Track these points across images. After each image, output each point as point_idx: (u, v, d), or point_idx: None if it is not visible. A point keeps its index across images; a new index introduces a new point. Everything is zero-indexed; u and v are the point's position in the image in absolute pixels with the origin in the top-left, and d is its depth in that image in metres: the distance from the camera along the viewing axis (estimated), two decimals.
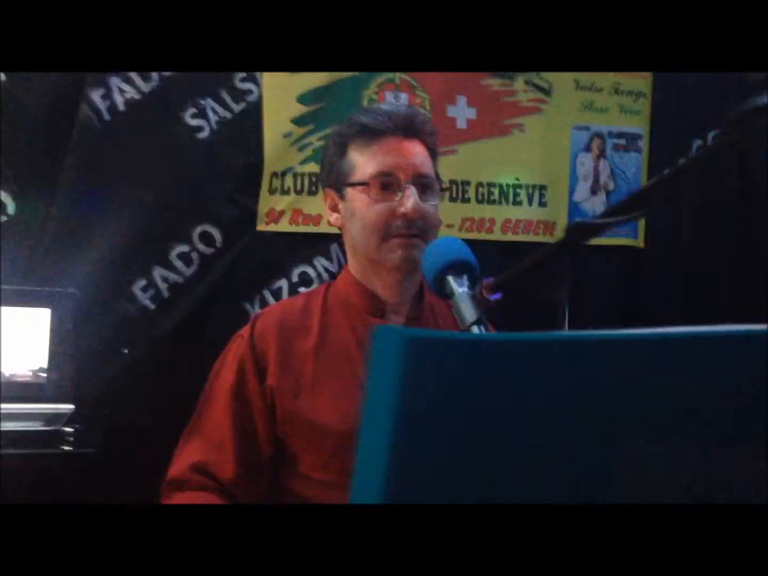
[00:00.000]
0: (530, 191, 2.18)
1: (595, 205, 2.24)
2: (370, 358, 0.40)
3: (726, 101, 2.27)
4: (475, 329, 0.85)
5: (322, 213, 2.09)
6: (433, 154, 1.21)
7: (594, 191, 2.24)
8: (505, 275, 0.80)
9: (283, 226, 2.06)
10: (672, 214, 2.28)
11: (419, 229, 1.12)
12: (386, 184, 1.14)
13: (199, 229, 2.01)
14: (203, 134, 1.99)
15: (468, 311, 0.87)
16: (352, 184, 1.17)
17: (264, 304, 2.06)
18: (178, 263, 2.00)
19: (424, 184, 1.15)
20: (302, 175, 2.07)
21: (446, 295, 0.92)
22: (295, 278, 2.09)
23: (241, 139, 2.01)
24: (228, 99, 2.00)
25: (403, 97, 2.10)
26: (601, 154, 2.24)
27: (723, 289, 2.28)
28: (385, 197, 1.14)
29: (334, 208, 1.23)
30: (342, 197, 1.20)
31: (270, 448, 1.15)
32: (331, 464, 1.11)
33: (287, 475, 1.15)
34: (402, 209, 1.12)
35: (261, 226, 2.04)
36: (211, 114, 1.99)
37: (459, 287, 0.91)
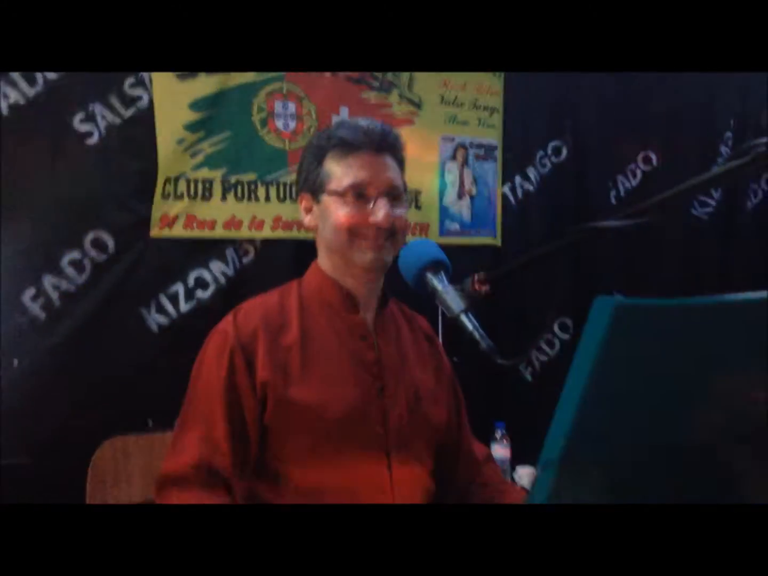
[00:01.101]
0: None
1: (462, 208, 2.47)
2: (587, 324, 0.51)
3: (562, 118, 2.60)
4: (463, 318, 0.99)
5: (216, 218, 2.12)
6: (402, 166, 1.31)
7: (460, 196, 2.47)
8: (498, 271, 0.95)
9: (178, 231, 2.06)
10: (522, 215, 2.58)
11: (388, 233, 1.22)
12: (360, 195, 1.22)
13: (90, 236, 1.95)
14: (93, 140, 1.93)
15: (455, 302, 1.00)
16: (329, 192, 1.24)
17: (161, 309, 2.04)
18: (70, 270, 1.93)
19: (394, 196, 1.23)
20: (195, 180, 2.08)
21: (427, 290, 1.05)
22: (191, 283, 2.10)
23: (133, 145, 1.98)
24: (117, 104, 1.96)
25: (291, 106, 2.19)
26: (465, 162, 2.48)
27: (563, 280, 2.61)
28: (358, 206, 1.22)
29: (309, 211, 1.30)
30: (317, 201, 1.27)
31: (257, 439, 1.20)
32: (321, 446, 1.18)
33: (274, 462, 1.21)
34: (373, 218, 1.20)
35: (155, 232, 2.02)
36: (100, 119, 1.94)
37: (439, 283, 1.04)
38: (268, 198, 2.18)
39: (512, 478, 2.15)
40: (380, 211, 1.20)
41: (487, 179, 2.52)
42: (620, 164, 2.72)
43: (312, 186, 1.27)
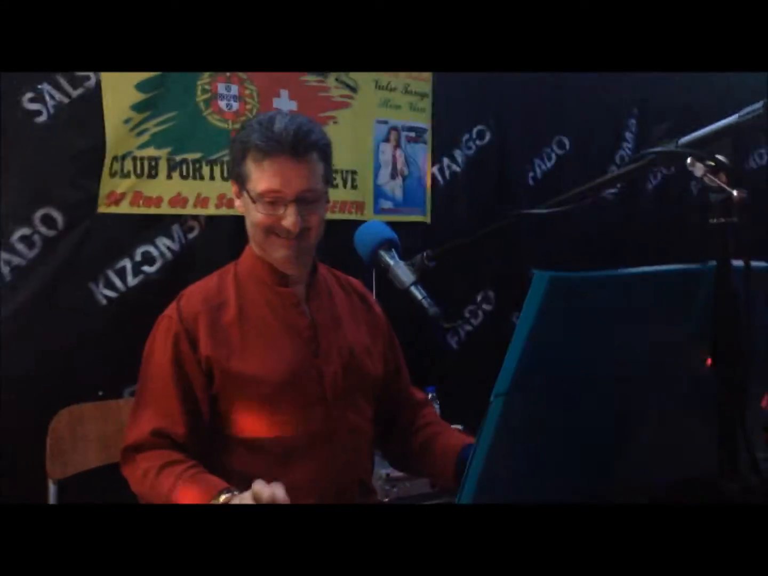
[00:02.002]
0: (344, 176, 2.49)
1: (395, 188, 2.62)
2: (528, 295, 0.67)
3: (486, 103, 2.77)
4: (413, 289, 1.14)
5: (162, 195, 2.19)
6: (327, 161, 1.38)
7: (393, 176, 2.62)
8: (443, 248, 1.10)
9: (125, 208, 2.12)
10: (449, 194, 2.75)
11: (301, 233, 1.33)
12: (272, 200, 1.31)
13: (40, 213, 1.99)
14: (41, 119, 1.97)
15: (406, 276, 1.16)
16: (248, 190, 1.34)
17: (109, 283, 2.11)
18: (20, 246, 1.97)
19: (307, 199, 1.32)
20: (142, 159, 2.14)
21: (380, 266, 1.20)
22: (138, 258, 2.16)
23: (81, 124, 2.02)
24: (66, 84, 2.00)
25: (234, 88, 2.27)
26: (398, 144, 2.62)
27: (487, 256, 2.80)
28: (271, 210, 1.32)
29: (238, 196, 1.40)
30: (242, 192, 1.37)
31: (208, 407, 1.34)
32: (264, 408, 1.33)
33: (226, 425, 1.35)
34: (284, 222, 1.32)
35: (102, 209, 2.08)
36: (48, 99, 1.97)
37: (392, 259, 1.19)
38: (212, 176, 2.26)
39: None
40: (290, 218, 1.31)
41: (418, 160, 2.67)
42: (537, 148, 2.92)
43: (238, 178, 1.37)
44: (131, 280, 2.15)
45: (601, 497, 0.84)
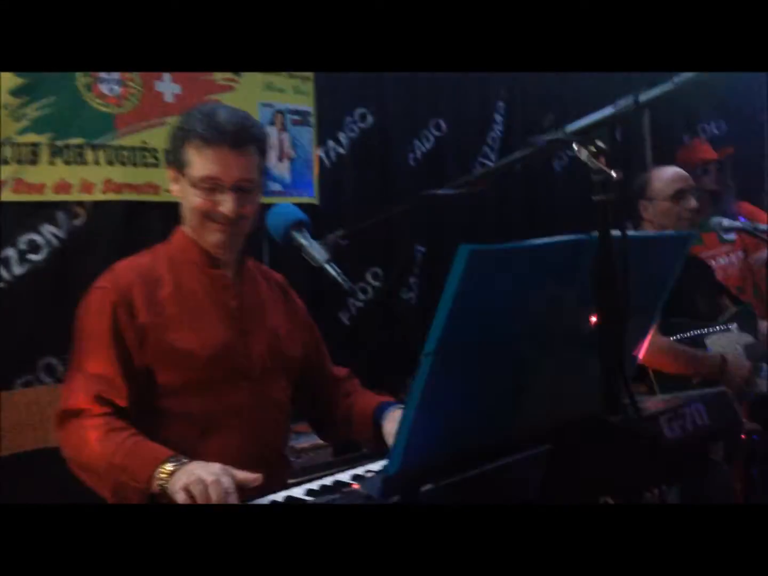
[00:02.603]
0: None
1: (282, 171, 2.66)
2: (452, 266, 0.76)
3: (366, 86, 2.86)
4: (327, 266, 1.23)
5: (45, 181, 2.12)
6: (264, 154, 1.46)
7: (280, 158, 2.66)
8: (355, 228, 1.19)
9: (7, 195, 2.04)
10: (336, 176, 2.83)
11: (236, 219, 1.39)
12: (211, 187, 1.38)
13: None
14: None
15: (319, 254, 1.23)
16: (187, 176, 1.39)
17: None
18: None
19: (244, 188, 1.40)
20: (22, 145, 2.06)
21: (294, 246, 1.27)
22: (22, 246, 2.10)
23: None
24: None
25: (115, 72, 2.22)
26: (283, 127, 2.66)
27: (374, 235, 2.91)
28: (209, 196, 1.38)
29: (175, 182, 1.45)
30: (181, 177, 1.42)
31: (143, 377, 1.37)
32: (193, 380, 1.39)
33: (155, 395, 1.38)
34: (221, 209, 1.38)
35: None
36: None
37: (304, 239, 1.27)
38: (97, 161, 2.21)
39: None
40: (227, 204, 1.38)
41: (304, 143, 2.73)
42: (416, 130, 3.05)
43: (176, 163, 1.42)
44: (17, 269, 2.08)
45: (513, 438, 0.97)
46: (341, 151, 2.84)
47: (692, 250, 3.42)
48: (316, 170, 2.76)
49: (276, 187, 2.65)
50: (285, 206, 1.33)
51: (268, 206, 1.39)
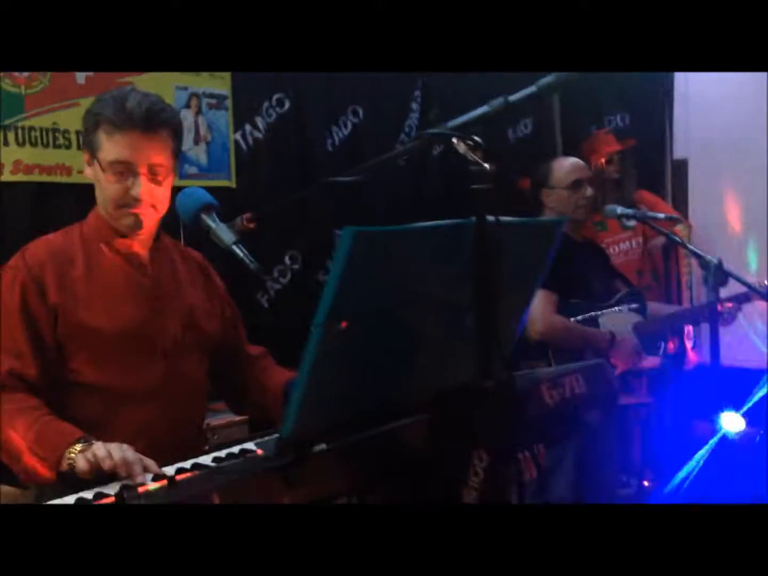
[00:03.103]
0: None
1: (199, 153, 2.69)
2: (337, 247, 0.84)
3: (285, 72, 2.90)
4: (235, 248, 1.29)
5: None
6: (178, 138, 1.50)
7: (196, 141, 2.68)
8: (260, 211, 1.26)
9: None
10: (253, 160, 2.87)
11: (148, 203, 1.44)
12: (122, 171, 1.42)
13: None
14: None
15: (227, 236, 1.30)
16: (99, 160, 1.43)
17: None
18: None
19: (155, 171, 1.44)
20: None
21: (202, 228, 1.33)
22: None
23: None
24: None
25: None
26: (199, 110, 2.68)
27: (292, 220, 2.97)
28: (120, 179, 1.42)
29: (89, 165, 1.48)
30: (93, 160, 1.45)
31: (55, 354, 1.41)
32: (107, 357, 1.44)
33: (67, 371, 1.43)
34: (132, 192, 1.43)
35: None
36: None
37: (213, 222, 1.33)
38: (6, 142, 2.19)
39: None
40: (138, 187, 1.42)
41: (221, 127, 2.75)
42: (334, 116, 3.12)
43: (89, 147, 1.46)
44: None
45: (400, 403, 1.07)
46: (258, 135, 2.88)
47: (598, 236, 3.65)
48: (232, 154, 2.80)
49: (192, 169, 2.67)
50: (194, 190, 1.39)
51: (183, 188, 1.45)
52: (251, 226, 1.30)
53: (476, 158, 0.97)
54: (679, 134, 4.24)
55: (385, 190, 3.17)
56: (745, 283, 2.28)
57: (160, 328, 1.51)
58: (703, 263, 2.15)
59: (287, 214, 2.89)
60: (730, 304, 2.54)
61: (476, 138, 0.98)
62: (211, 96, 2.72)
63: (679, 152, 4.26)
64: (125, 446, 1.22)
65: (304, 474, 0.99)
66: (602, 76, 4.02)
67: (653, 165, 4.16)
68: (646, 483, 3.70)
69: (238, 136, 2.82)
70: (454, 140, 0.99)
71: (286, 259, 3.01)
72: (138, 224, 1.46)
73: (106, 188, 1.44)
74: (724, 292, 2.62)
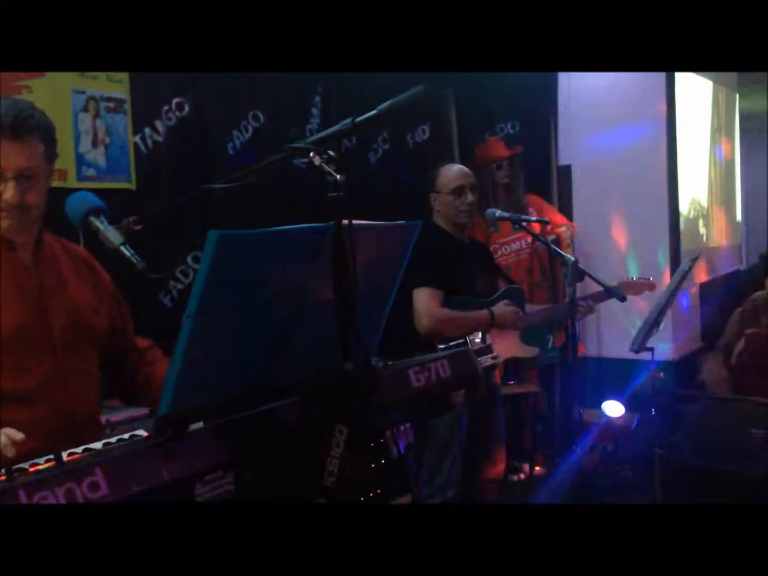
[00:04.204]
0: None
1: (97, 156, 2.74)
2: (204, 247, 0.97)
3: (185, 76, 2.99)
4: (123, 248, 1.40)
5: None
6: (47, 141, 1.54)
7: (94, 144, 2.73)
8: (147, 215, 1.37)
9: None
10: (153, 163, 2.93)
11: (20, 207, 1.50)
12: None
13: None
14: None
15: (115, 237, 1.40)
16: None
17: None
18: None
19: (27, 176, 1.50)
20: None
21: (91, 230, 1.43)
22: None
23: None
24: None
25: None
26: (97, 114, 2.73)
27: (194, 221, 3.05)
28: None
29: None
30: None
31: None
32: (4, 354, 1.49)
33: None
34: (4, 196, 1.49)
35: None
36: None
37: (101, 224, 1.43)
38: None
39: None
40: (8, 192, 1.49)
41: (119, 130, 2.81)
42: (235, 121, 3.22)
43: None
44: None
45: (272, 385, 1.20)
46: (158, 138, 2.95)
47: (491, 237, 3.89)
48: (132, 156, 2.85)
49: (90, 171, 2.72)
50: (83, 194, 1.48)
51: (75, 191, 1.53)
52: (137, 228, 1.40)
53: (330, 170, 1.12)
54: (564, 142, 4.56)
55: (284, 193, 3.30)
56: (597, 281, 2.52)
57: (46, 327, 1.58)
58: (563, 261, 2.38)
59: (189, 216, 2.97)
60: (587, 302, 2.79)
61: (330, 152, 1.13)
62: (109, 99, 2.78)
63: (563, 159, 4.58)
64: None
65: (181, 450, 1.11)
66: (494, 85, 4.29)
67: (540, 170, 4.45)
68: (537, 468, 3.97)
69: (137, 138, 2.88)
70: (311, 153, 1.14)
71: (189, 260, 3.09)
72: (14, 226, 1.53)
73: None
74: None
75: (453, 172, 2.93)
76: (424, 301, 2.67)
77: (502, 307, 2.79)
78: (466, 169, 2.99)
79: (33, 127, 1.51)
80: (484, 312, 2.77)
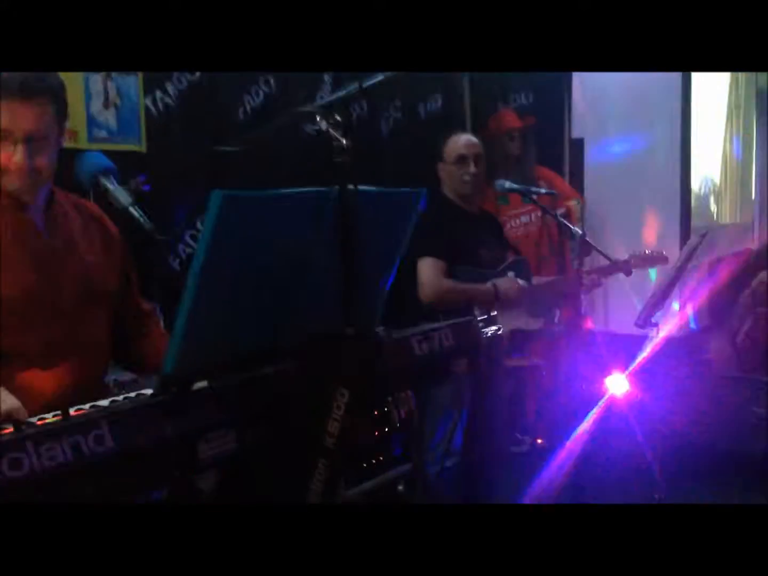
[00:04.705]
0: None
1: (108, 118, 2.74)
2: (207, 208, 0.98)
3: None
4: (131, 209, 1.41)
5: None
6: (58, 102, 1.51)
7: (105, 106, 2.73)
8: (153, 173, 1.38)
9: None
10: (164, 125, 2.93)
11: (30, 170, 1.49)
12: (2, 138, 1.45)
13: None
14: None
15: (124, 198, 1.42)
16: None
17: None
18: None
19: (37, 138, 1.47)
20: None
21: (100, 189, 1.44)
22: None
23: None
24: None
25: None
26: (109, 75, 2.73)
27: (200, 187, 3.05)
28: (4, 146, 1.46)
29: None
30: None
31: None
32: (9, 320, 1.50)
33: None
34: (14, 159, 1.47)
35: None
36: None
37: (111, 184, 1.44)
38: None
39: None
40: (17, 155, 1.47)
41: (130, 92, 2.81)
42: (246, 85, 3.20)
43: None
44: None
45: (273, 348, 1.22)
46: (169, 101, 2.94)
47: (500, 209, 3.88)
48: (142, 118, 2.85)
49: (101, 133, 2.73)
50: (93, 154, 1.50)
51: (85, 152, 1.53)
52: (145, 188, 1.41)
53: (336, 134, 1.13)
54: (577, 115, 4.51)
55: (293, 159, 3.29)
56: (604, 255, 2.52)
57: (57, 289, 1.58)
58: (571, 235, 2.37)
59: (198, 179, 2.98)
60: (593, 275, 2.80)
61: (337, 116, 1.14)
62: None
63: (576, 132, 4.54)
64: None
65: (184, 407, 1.13)
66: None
67: (552, 143, 4.42)
68: (539, 440, 4.01)
69: (148, 101, 2.88)
70: (318, 117, 1.14)
71: (198, 224, 3.10)
72: (23, 188, 1.51)
73: None
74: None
75: (457, 141, 2.92)
76: (428, 271, 2.69)
77: (506, 280, 2.80)
78: (473, 139, 2.97)
79: (43, 88, 1.48)
80: (488, 286, 2.78)
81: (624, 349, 4.23)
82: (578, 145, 4.54)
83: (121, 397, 1.47)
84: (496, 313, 1.91)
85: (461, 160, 2.86)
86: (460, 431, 2.79)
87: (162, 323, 2.65)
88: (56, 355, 1.57)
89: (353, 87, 1.16)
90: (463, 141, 2.92)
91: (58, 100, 1.53)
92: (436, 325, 1.69)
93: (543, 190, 2.99)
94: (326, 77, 3.53)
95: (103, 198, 1.46)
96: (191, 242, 3.09)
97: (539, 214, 3.88)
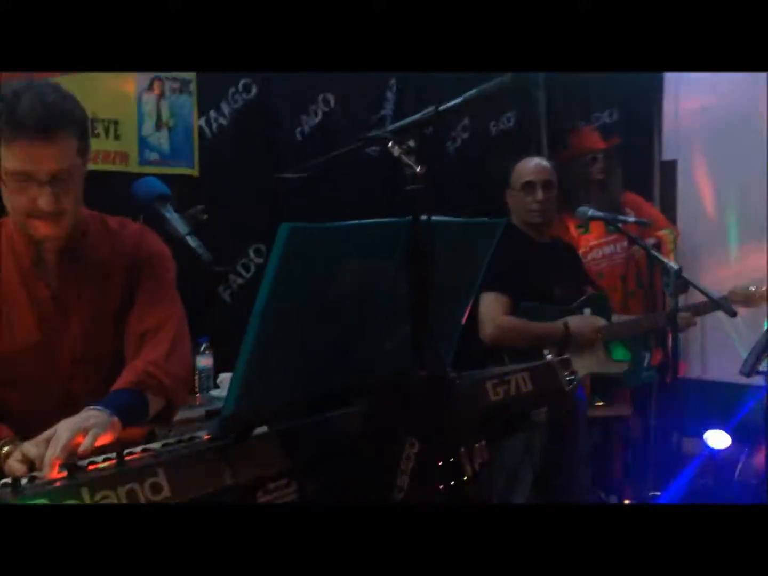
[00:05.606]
0: (106, 125, 2.68)
1: (160, 139, 2.86)
2: (273, 245, 1.02)
3: None
4: (189, 239, 1.47)
5: None
6: (80, 132, 1.50)
7: (158, 127, 2.85)
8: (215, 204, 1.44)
9: None
10: (217, 147, 3.04)
11: (56, 211, 1.47)
12: (23, 180, 1.44)
13: None
14: None
15: (181, 227, 1.48)
16: (3, 170, 1.45)
17: None
18: None
19: (60, 177, 1.45)
20: None
21: (158, 218, 1.51)
22: None
23: None
24: None
25: None
26: (162, 95, 2.86)
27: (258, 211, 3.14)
28: (23, 190, 1.45)
29: None
30: None
31: None
32: (12, 373, 1.55)
33: None
34: (39, 202, 1.45)
35: None
36: None
37: (167, 212, 1.51)
38: None
39: (215, 383, 2.73)
40: (43, 198, 1.45)
41: (184, 112, 2.93)
42: (303, 104, 3.30)
43: None
44: None
45: (337, 391, 1.25)
46: (223, 122, 3.05)
47: (580, 239, 3.85)
48: (195, 141, 2.96)
49: (153, 156, 2.85)
50: (149, 180, 1.56)
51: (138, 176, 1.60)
52: (204, 217, 1.47)
53: (408, 161, 1.16)
54: (669, 135, 4.45)
55: (357, 184, 3.35)
56: (703, 292, 2.47)
57: (62, 340, 1.59)
58: (664, 269, 2.34)
59: (251, 205, 3.06)
60: (687, 313, 2.74)
61: (410, 142, 1.17)
62: (175, 80, 2.89)
63: (668, 154, 4.47)
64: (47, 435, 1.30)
65: (244, 454, 1.16)
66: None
67: (641, 166, 4.37)
68: (626, 502, 3.90)
69: (202, 122, 2.99)
70: (390, 144, 1.17)
71: (251, 253, 3.18)
72: (52, 233, 1.52)
73: (11, 198, 1.49)
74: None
75: (525, 166, 2.93)
76: (489, 307, 2.69)
77: (580, 318, 2.77)
78: (543, 163, 2.98)
79: (63, 122, 1.45)
80: (558, 323, 2.75)
81: (724, 399, 4.11)
82: (670, 167, 4.47)
83: (173, 440, 1.51)
84: (568, 356, 1.88)
85: (529, 186, 2.87)
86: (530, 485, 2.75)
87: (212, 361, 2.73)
88: (60, 409, 1.46)
89: (429, 110, 1.19)
90: (531, 166, 2.93)
91: (81, 130, 1.52)
92: (512, 367, 1.69)
93: (631, 218, 2.96)
94: (389, 94, 3.60)
95: (160, 226, 1.52)
96: (242, 272, 3.17)
97: (625, 245, 3.84)
